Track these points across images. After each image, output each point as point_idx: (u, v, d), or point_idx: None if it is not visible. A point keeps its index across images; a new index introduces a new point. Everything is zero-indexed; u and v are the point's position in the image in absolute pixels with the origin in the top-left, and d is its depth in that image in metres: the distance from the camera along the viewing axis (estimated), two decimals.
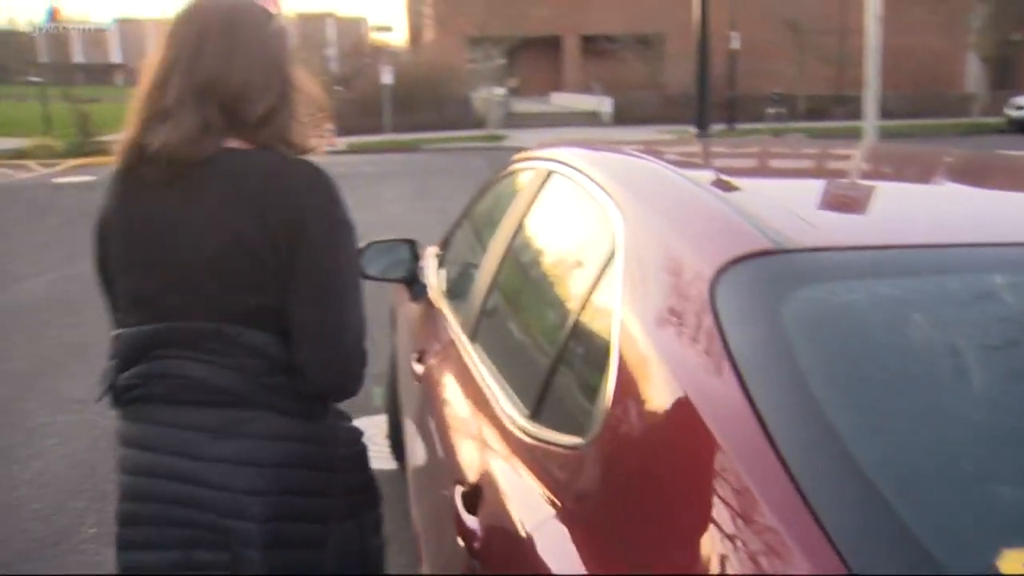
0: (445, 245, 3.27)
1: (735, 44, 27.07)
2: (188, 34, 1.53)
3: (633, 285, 1.39)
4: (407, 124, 25.36)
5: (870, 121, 6.35)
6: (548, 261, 2.06)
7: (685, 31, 32.10)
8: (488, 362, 1.97)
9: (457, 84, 29.65)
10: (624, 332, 1.33)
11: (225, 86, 1.51)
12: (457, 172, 17.13)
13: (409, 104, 26.04)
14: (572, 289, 1.73)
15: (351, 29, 63.73)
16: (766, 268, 1.24)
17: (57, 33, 50.09)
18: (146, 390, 1.54)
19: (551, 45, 38.09)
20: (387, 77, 24.77)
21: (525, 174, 2.40)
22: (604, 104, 30.24)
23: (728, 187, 1.60)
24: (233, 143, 1.54)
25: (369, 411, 4.54)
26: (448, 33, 33.84)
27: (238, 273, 1.50)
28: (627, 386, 1.28)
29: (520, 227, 2.16)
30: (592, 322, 1.52)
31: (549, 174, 2.13)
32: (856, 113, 26.89)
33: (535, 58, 40.93)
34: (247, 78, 1.52)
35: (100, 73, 68.71)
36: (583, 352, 1.54)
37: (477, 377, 1.95)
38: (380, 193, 14.12)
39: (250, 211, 1.48)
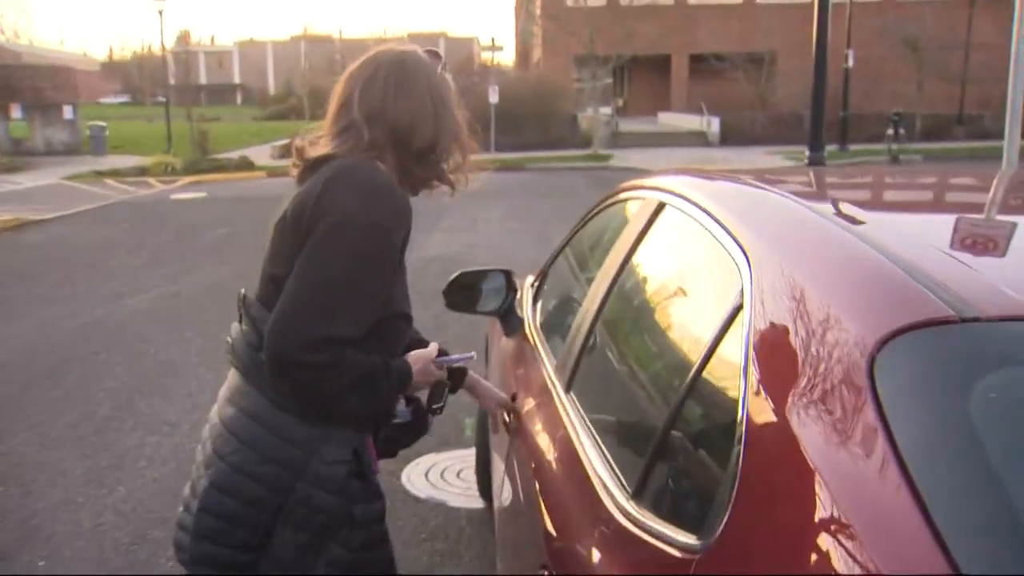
0: (544, 276, 3.04)
1: (850, 62, 26.14)
2: (363, 73, 1.74)
3: (765, 349, 1.14)
4: (513, 143, 25.35)
5: (1012, 143, 5.80)
6: (659, 309, 1.81)
7: (796, 49, 31.40)
8: (585, 420, 1.73)
9: (563, 103, 29.53)
10: (754, 408, 1.08)
11: (394, 117, 1.69)
12: (560, 193, 16.94)
13: (515, 123, 26.03)
14: (687, 346, 1.47)
15: (462, 48, 64.68)
16: (944, 341, 0.97)
17: (185, 56, 52.46)
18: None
19: (659, 64, 37.63)
20: (493, 96, 24.83)
21: (634, 204, 2.16)
22: (711, 124, 29.65)
23: (876, 230, 1.33)
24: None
25: (462, 443, 4.37)
26: (556, 52, 33.81)
27: (271, 245, 1.69)
28: (758, 478, 1.03)
29: (627, 265, 1.92)
30: (712, 390, 1.27)
31: (661, 206, 1.89)
32: (979, 133, 25.82)
33: (642, 77, 40.56)
34: (414, 111, 1.70)
35: (222, 93, 71.56)
36: (701, 426, 1.29)
37: (572, 436, 1.72)
38: (479, 214, 14.02)
39: (303, 194, 1.64)
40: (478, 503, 3.75)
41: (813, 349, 1.06)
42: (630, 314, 1.93)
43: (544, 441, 1.91)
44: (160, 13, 29.29)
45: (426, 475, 4.13)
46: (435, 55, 1.82)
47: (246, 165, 24.04)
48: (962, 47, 26.42)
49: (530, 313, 2.81)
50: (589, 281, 2.18)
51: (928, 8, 28.56)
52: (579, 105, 30.17)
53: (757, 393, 1.09)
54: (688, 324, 1.56)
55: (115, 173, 22.15)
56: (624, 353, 1.88)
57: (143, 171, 22.42)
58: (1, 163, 22.95)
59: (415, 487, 4.00)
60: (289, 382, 1.57)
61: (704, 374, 1.29)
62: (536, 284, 3.04)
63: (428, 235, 11.85)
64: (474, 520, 3.68)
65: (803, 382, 1.04)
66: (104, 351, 6.36)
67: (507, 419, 2.20)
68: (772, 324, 1.16)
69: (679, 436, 1.32)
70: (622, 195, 2.33)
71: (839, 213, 1.52)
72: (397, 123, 1.69)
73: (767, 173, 2.16)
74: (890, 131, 22.87)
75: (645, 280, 1.92)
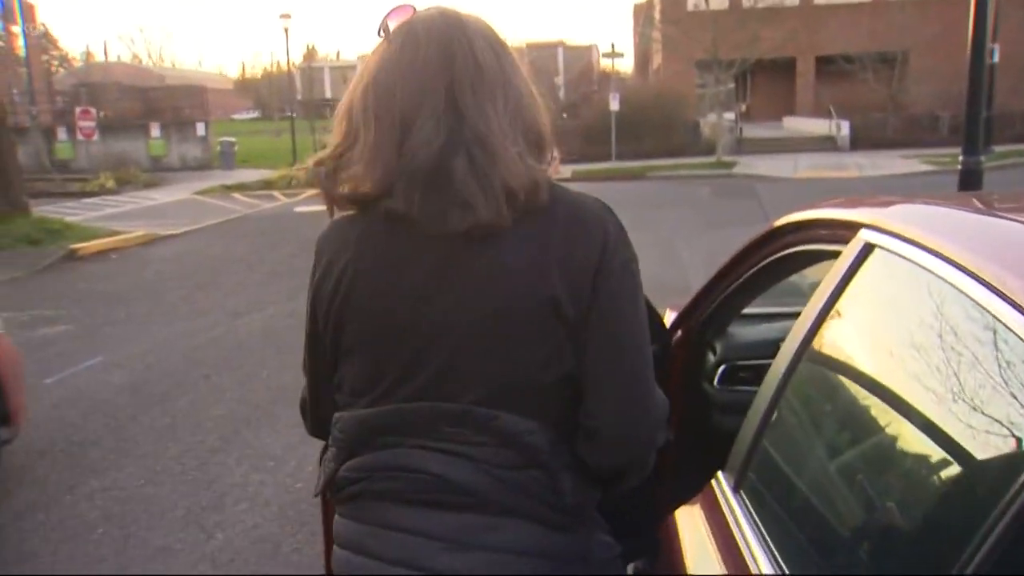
0: (688, 316, 2.52)
1: (995, 58, 24.53)
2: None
3: None
4: (634, 151, 24.83)
5: None
6: (885, 411, 1.30)
7: (931, 47, 29.90)
8: (765, 540, 1.31)
9: (685, 109, 28.77)
10: None
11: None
12: (684, 202, 16.35)
13: (636, 130, 25.48)
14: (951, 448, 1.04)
15: (581, 57, 64.49)
16: None
17: (310, 72, 54.08)
18: (369, 484, 1.27)
19: (783, 67, 36.30)
20: (614, 104, 24.36)
21: (821, 242, 1.69)
22: (840, 128, 28.35)
23: None
24: None
25: None
26: (677, 58, 33.03)
27: (519, 335, 1.20)
28: None
29: (821, 330, 1.45)
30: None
31: (869, 249, 1.41)
32: None
33: (766, 81, 39.29)
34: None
35: None
36: None
37: (746, 559, 1.31)
38: None
39: (541, 256, 1.21)
40: None
41: None
42: (838, 393, 1.46)
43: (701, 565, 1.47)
44: (285, 31, 30.12)
45: None
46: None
47: None
48: None
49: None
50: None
51: None
52: (701, 111, 29.35)
53: None
54: (943, 412, 1.12)
55: (242, 187, 22.77)
56: (836, 447, 1.40)
57: (268, 184, 22.99)
58: (140, 180, 23.96)
59: None
60: (642, 475, 1.28)
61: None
62: (681, 322, 2.55)
63: None
64: None
65: None
66: (216, 374, 6.25)
67: None
68: None
69: None
70: (802, 233, 1.83)
71: None
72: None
73: (997, 197, 1.65)
74: None
75: (856, 350, 1.43)
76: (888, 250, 1.36)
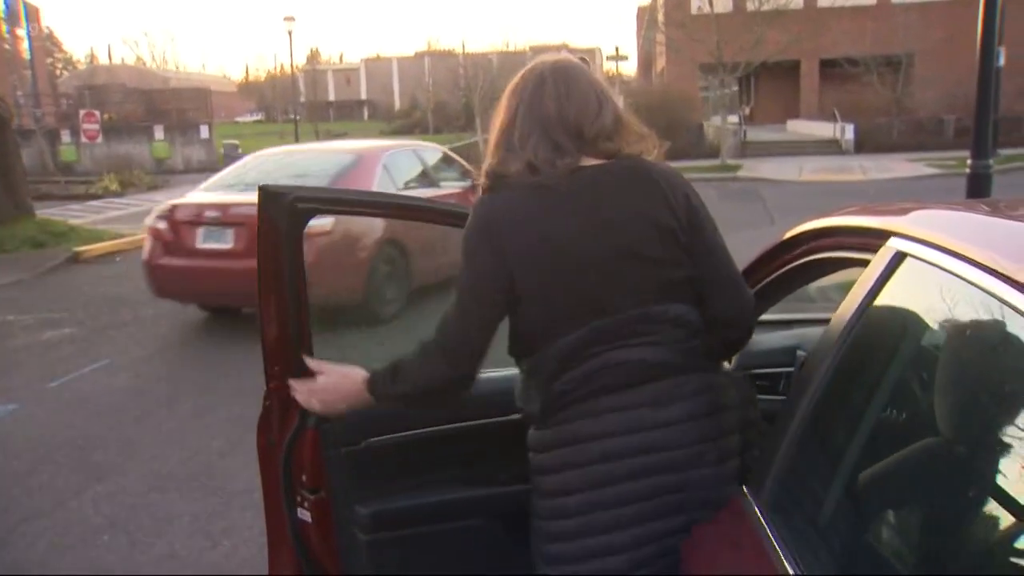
0: None
1: (1001, 61, 24.46)
2: (527, 84, 1.77)
3: None
4: None
5: None
6: (920, 422, 1.25)
7: (937, 51, 29.80)
8: (786, 540, 1.26)
9: (689, 112, 28.73)
10: None
11: (565, 118, 1.72)
12: None
13: None
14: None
15: (585, 59, 64.30)
16: None
17: (314, 74, 54.11)
18: (588, 386, 1.66)
19: (787, 70, 36.21)
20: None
21: (846, 249, 1.67)
22: (845, 131, 28.30)
23: None
24: (586, 161, 1.73)
25: None
26: (681, 61, 32.95)
27: (659, 254, 1.69)
28: None
29: (847, 342, 1.41)
30: None
31: (900, 257, 1.38)
32: None
33: (769, 84, 39.21)
34: (582, 108, 1.74)
35: (350, 109, 73.50)
36: None
37: (767, 554, 1.27)
38: None
39: (658, 202, 1.71)
40: None
41: None
42: (872, 402, 1.41)
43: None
44: (289, 34, 30.13)
45: None
46: (584, 60, 1.88)
47: None
48: None
49: None
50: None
51: None
52: (705, 114, 29.30)
53: None
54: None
55: None
56: (867, 460, 1.36)
57: None
58: (144, 182, 23.96)
59: None
60: (745, 343, 1.88)
61: None
62: None
63: None
64: None
65: None
66: (223, 378, 6.23)
67: None
68: None
69: None
70: (825, 240, 1.80)
71: None
72: (570, 122, 1.74)
73: (1018, 202, 1.60)
74: None
75: (890, 359, 1.40)
76: (920, 258, 1.32)
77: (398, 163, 8.53)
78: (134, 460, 4.73)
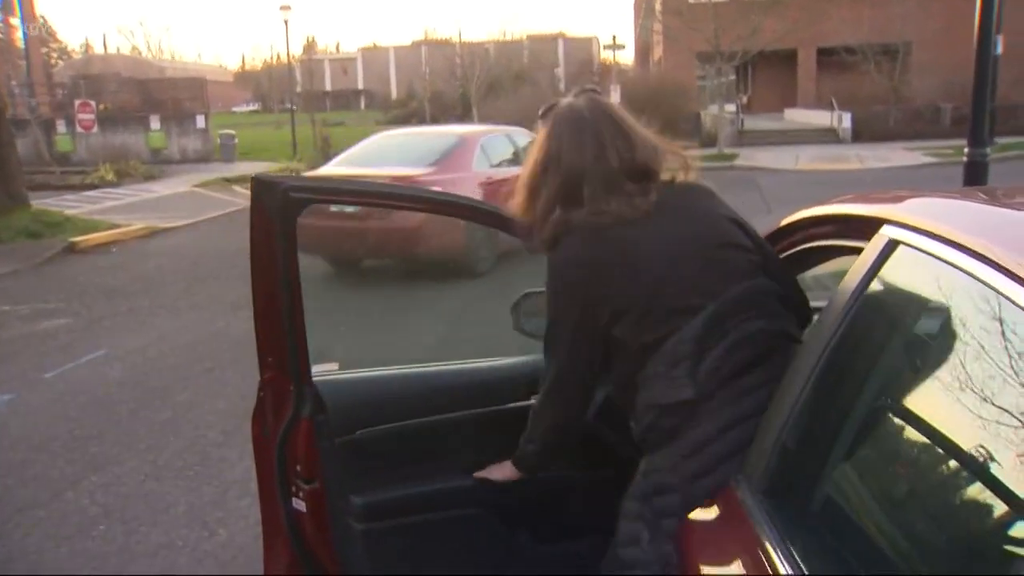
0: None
1: (998, 49, 24.43)
2: (577, 139, 1.83)
3: None
4: None
5: None
6: (914, 408, 1.27)
7: (933, 39, 29.78)
8: (781, 529, 1.26)
9: (686, 101, 28.67)
10: None
11: (631, 166, 1.82)
12: None
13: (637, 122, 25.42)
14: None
15: (581, 48, 64.30)
16: None
17: (310, 64, 53.96)
18: (731, 362, 1.68)
19: (784, 59, 36.14)
20: (615, 96, 24.28)
21: (839, 238, 1.68)
22: (842, 120, 28.27)
23: None
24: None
25: None
26: (678, 49, 32.89)
27: (745, 242, 1.85)
28: None
29: (841, 330, 1.41)
30: None
31: (893, 245, 1.38)
32: None
33: (767, 73, 39.15)
34: (644, 152, 1.85)
35: (346, 99, 73.25)
36: None
37: (761, 542, 1.27)
38: None
39: (722, 206, 1.92)
40: None
41: None
42: (865, 390, 1.40)
43: None
44: (285, 23, 30.02)
45: None
46: (595, 91, 1.96)
47: None
48: None
49: None
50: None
51: None
52: (702, 103, 29.25)
53: None
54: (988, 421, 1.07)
55: (242, 180, 22.65)
56: (863, 447, 1.37)
57: None
58: (140, 172, 23.90)
59: None
60: None
61: None
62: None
63: None
64: None
65: None
66: (218, 368, 6.22)
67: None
68: None
69: None
70: (818, 229, 1.81)
71: None
72: (632, 162, 1.84)
73: (1014, 191, 1.61)
74: None
75: (883, 347, 1.40)
76: (913, 246, 1.32)
77: (493, 144, 10.33)
78: (130, 451, 4.73)
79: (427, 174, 8.88)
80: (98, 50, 72.18)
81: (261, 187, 1.97)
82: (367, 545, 2.14)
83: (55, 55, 59.13)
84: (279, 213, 1.97)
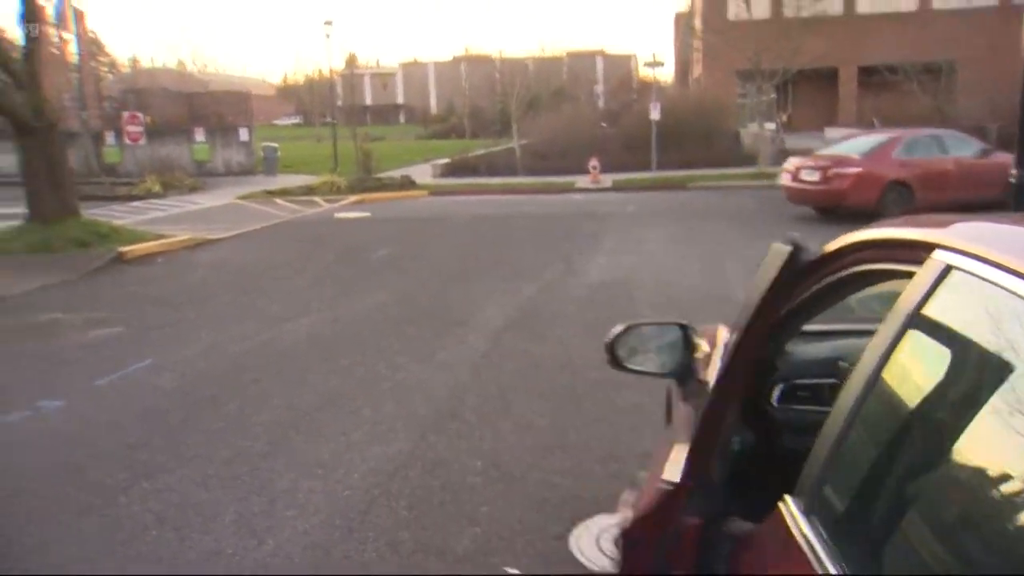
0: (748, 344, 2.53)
1: None
2: None
3: None
4: (674, 161, 24.70)
5: None
6: (966, 434, 1.27)
7: (979, 58, 29.37)
8: (834, 551, 1.30)
9: (726, 119, 28.59)
10: None
11: None
12: (727, 213, 16.26)
13: (676, 140, 25.36)
14: None
15: (620, 66, 64.32)
16: None
17: (351, 78, 54.53)
18: None
19: (826, 78, 35.93)
20: (655, 113, 24.26)
21: (890, 262, 1.67)
22: None
23: None
24: None
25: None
26: (718, 67, 32.86)
27: None
28: None
29: (893, 355, 1.44)
30: None
31: (947, 271, 1.40)
32: None
33: (808, 91, 38.88)
34: None
35: (386, 113, 73.95)
36: None
37: (813, 565, 1.31)
38: (643, 235, 13.61)
39: None
40: None
41: None
42: (917, 415, 1.43)
43: None
44: (328, 38, 30.42)
45: (598, 541, 3.74)
46: None
47: (408, 184, 24.52)
48: None
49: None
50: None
51: None
52: (742, 121, 29.13)
53: None
54: None
55: (284, 192, 23.02)
56: (914, 471, 1.39)
57: (310, 190, 23.21)
58: (185, 184, 24.33)
59: (586, 556, 3.63)
60: None
61: None
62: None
63: (590, 257, 11.53)
64: None
65: None
66: (264, 379, 6.33)
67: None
68: None
69: None
70: (869, 252, 1.81)
71: None
72: None
73: None
74: None
75: (936, 372, 1.42)
76: (967, 271, 1.35)
77: (914, 142, 15.23)
78: (179, 459, 4.83)
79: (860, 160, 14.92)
80: (145, 64, 73.57)
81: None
82: None
83: (104, 68, 60.30)
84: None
